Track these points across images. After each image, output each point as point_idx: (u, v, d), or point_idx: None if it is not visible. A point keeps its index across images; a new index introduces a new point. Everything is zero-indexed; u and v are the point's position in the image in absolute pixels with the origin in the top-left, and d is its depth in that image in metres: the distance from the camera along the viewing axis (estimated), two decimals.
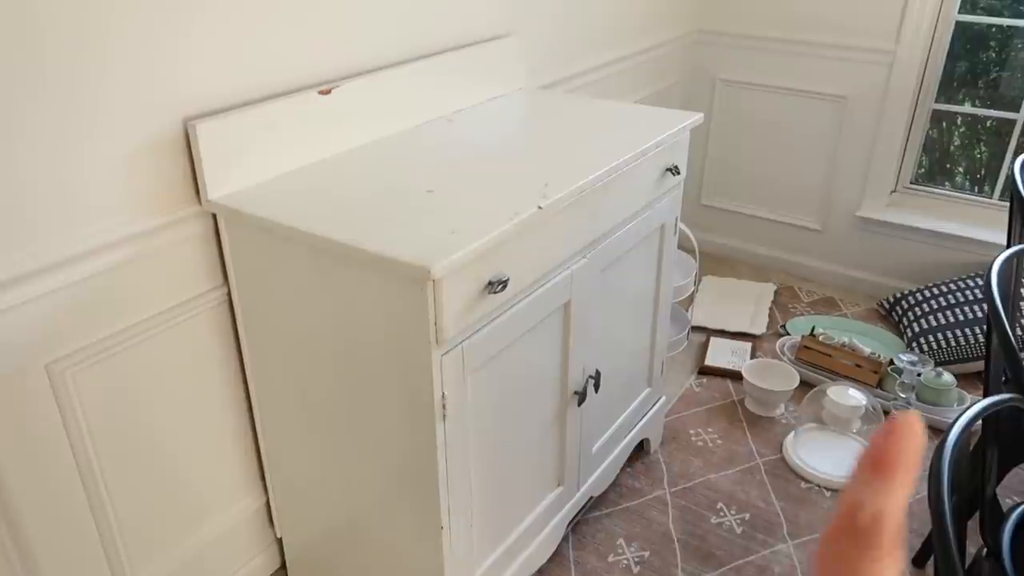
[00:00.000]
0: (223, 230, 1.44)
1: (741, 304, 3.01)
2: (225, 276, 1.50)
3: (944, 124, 2.99)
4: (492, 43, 2.00)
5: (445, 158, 1.63)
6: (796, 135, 3.07)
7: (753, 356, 2.68)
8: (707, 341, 2.78)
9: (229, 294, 1.51)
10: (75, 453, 1.35)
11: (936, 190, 3.00)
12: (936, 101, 2.87)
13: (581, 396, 1.75)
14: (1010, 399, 1.13)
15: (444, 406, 1.32)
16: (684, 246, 2.59)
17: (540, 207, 1.38)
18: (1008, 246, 1.80)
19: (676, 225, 2.03)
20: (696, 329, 2.86)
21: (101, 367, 1.35)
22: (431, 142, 1.72)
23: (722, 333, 2.83)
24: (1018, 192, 1.69)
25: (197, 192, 1.41)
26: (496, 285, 1.33)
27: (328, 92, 1.57)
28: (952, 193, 2.99)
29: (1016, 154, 2.79)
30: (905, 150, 2.95)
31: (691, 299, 2.92)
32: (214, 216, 1.44)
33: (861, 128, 2.92)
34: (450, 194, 1.44)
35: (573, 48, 2.42)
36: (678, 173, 1.88)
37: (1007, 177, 2.88)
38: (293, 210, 1.36)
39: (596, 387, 1.80)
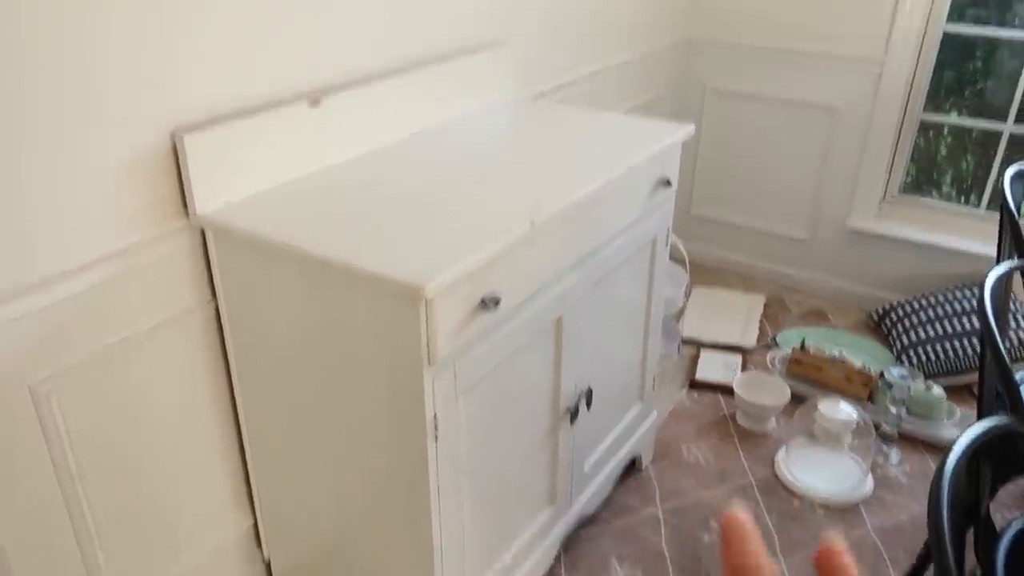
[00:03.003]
0: (211, 244, 1.41)
1: (731, 316, 3.01)
2: (213, 291, 1.47)
3: (931, 133, 2.99)
4: (482, 52, 1.98)
5: (437, 171, 1.60)
6: (786, 145, 3.06)
7: (744, 369, 2.67)
8: (697, 354, 2.76)
9: (217, 310, 1.48)
10: (58, 474, 1.31)
11: (924, 199, 3.01)
12: (924, 111, 2.88)
13: (573, 413, 1.72)
14: (1008, 425, 1.12)
15: (436, 427, 1.29)
16: (674, 257, 2.58)
17: (533, 223, 1.36)
18: (998, 260, 1.80)
19: (668, 238, 2.02)
20: (686, 342, 2.84)
21: (85, 386, 1.31)
22: (423, 154, 1.69)
23: (713, 346, 2.82)
24: (1007, 206, 1.69)
25: (185, 206, 1.38)
26: (489, 303, 1.31)
27: (318, 103, 1.54)
28: (941, 203, 2.99)
29: (1003, 165, 2.80)
30: (894, 160, 2.95)
31: (682, 311, 2.90)
32: (202, 230, 1.41)
33: (850, 138, 2.93)
34: (442, 209, 1.42)
35: (563, 57, 2.41)
36: (669, 186, 1.86)
37: (994, 188, 2.89)
38: (283, 225, 1.33)
39: (588, 404, 1.78)
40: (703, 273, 3.32)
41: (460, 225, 1.36)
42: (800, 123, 3.00)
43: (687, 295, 2.73)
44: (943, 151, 3.07)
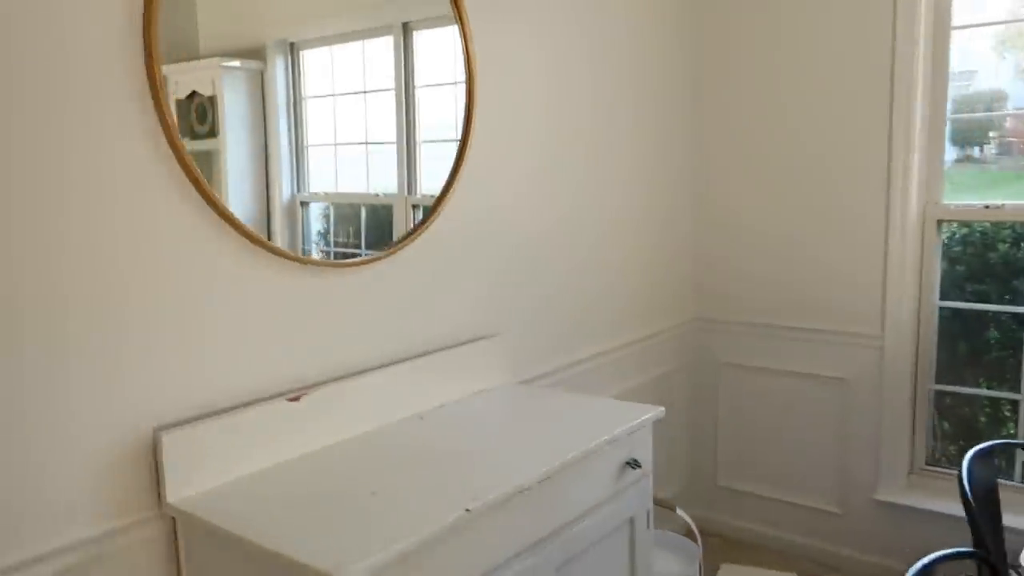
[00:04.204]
0: (179, 532, 1.55)
1: None
2: None
3: (962, 403, 2.95)
4: (471, 344, 2.19)
5: (402, 459, 1.74)
6: (802, 416, 3.08)
7: None
8: None
9: None
10: None
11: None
12: (942, 381, 2.88)
13: None
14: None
15: None
16: (688, 531, 2.56)
17: (468, 509, 1.45)
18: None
19: (649, 518, 2.04)
20: None
21: None
22: (395, 442, 1.83)
23: None
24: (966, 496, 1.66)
25: (159, 496, 1.54)
26: None
27: (297, 399, 1.74)
28: (1008, 482, 2.87)
29: None
30: (914, 431, 2.92)
31: None
32: (173, 518, 1.56)
33: (864, 409, 2.94)
34: (392, 497, 1.53)
35: (565, 341, 2.60)
36: (638, 467, 1.93)
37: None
38: (239, 514, 1.46)
39: None
40: (735, 548, 3.21)
41: (401, 515, 1.46)
42: (813, 395, 3.05)
43: (700, 571, 2.64)
44: (982, 420, 3.01)
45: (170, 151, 1.52)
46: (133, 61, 1.46)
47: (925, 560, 1.27)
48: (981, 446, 1.86)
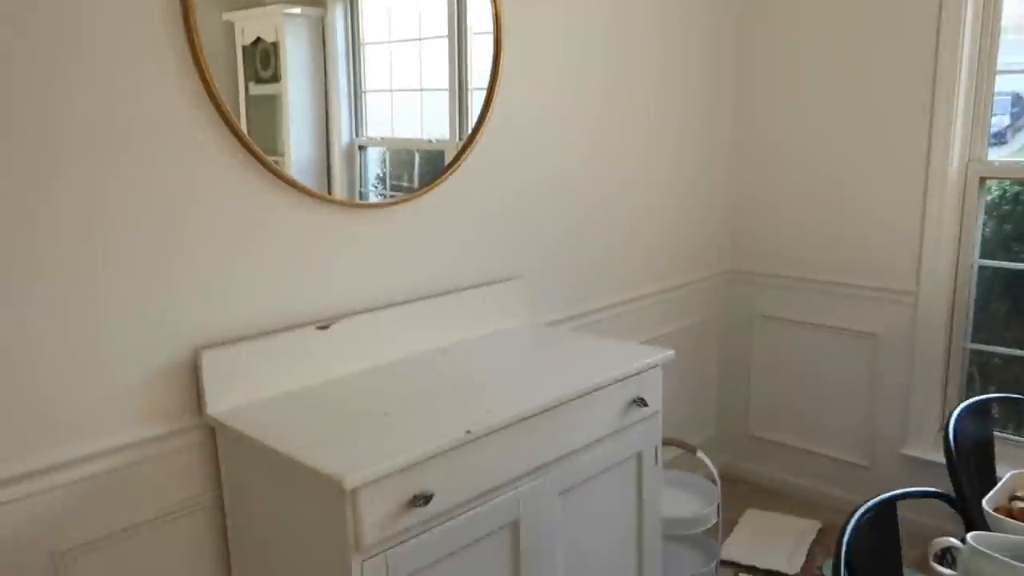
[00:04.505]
0: (218, 440, 1.74)
1: (781, 541, 2.95)
2: (220, 482, 1.77)
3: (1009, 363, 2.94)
4: (499, 284, 2.31)
5: (420, 386, 1.89)
6: (834, 370, 3.12)
7: None
8: None
9: (221, 499, 1.77)
10: None
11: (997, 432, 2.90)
12: (981, 340, 2.86)
13: None
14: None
15: None
16: (709, 475, 2.65)
17: (468, 431, 1.59)
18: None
19: (658, 454, 2.14)
20: (726, 563, 2.81)
21: (102, 561, 1.61)
22: (415, 371, 1.98)
23: (753, 570, 2.77)
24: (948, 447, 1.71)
25: (201, 407, 1.73)
26: (419, 500, 1.52)
27: (326, 327, 1.90)
28: (1011, 436, 2.87)
29: None
30: (946, 388, 2.92)
31: (718, 529, 2.89)
32: (212, 428, 1.75)
33: (895, 365, 2.95)
34: (403, 418, 1.69)
35: (600, 287, 2.70)
36: (645, 405, 2.03)
37: None
38: (268, 426, 1.64)
39: None
40: (762, 495, 3.29)
41: (411, 433, 1.60)
42: (845, 349, 3.07)
43: (719, 511, 2.74)
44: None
45: (207, 98, 1.66)
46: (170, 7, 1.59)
47: (885, 495, 1.34)
48: (970, 400, 1.89)
